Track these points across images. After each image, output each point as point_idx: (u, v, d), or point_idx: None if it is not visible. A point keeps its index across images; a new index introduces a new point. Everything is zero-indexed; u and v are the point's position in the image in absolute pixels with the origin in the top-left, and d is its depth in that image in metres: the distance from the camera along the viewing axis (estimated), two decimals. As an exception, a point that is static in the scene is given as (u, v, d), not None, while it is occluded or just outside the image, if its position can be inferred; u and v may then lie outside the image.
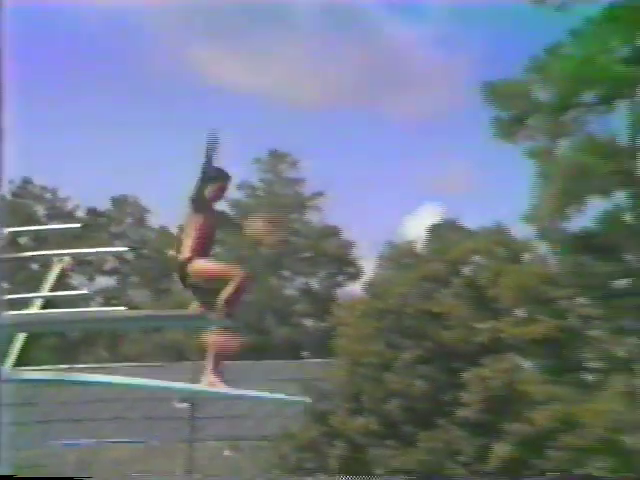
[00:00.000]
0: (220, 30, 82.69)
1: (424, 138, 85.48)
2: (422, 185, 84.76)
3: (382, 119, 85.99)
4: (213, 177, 9.37)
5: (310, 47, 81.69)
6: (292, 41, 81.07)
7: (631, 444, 36.89)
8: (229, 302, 8.88)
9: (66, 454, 39.87)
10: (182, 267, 9.10)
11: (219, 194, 9.56)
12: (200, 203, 9.31)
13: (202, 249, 9.20)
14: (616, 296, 41.56)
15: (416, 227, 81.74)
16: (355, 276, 64.30)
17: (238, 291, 8.93)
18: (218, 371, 9.54)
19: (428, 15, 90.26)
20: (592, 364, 42.44)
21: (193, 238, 9.23)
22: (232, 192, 59.49)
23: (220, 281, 8.94)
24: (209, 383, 9.50)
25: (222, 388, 9.54)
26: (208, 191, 9.38)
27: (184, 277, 9.12)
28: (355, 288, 57.13)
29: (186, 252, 9.15)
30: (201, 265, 9.03)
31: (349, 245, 65.67)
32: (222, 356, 9.62)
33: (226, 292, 8.84)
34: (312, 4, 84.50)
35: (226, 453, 44.64)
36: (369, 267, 54.08)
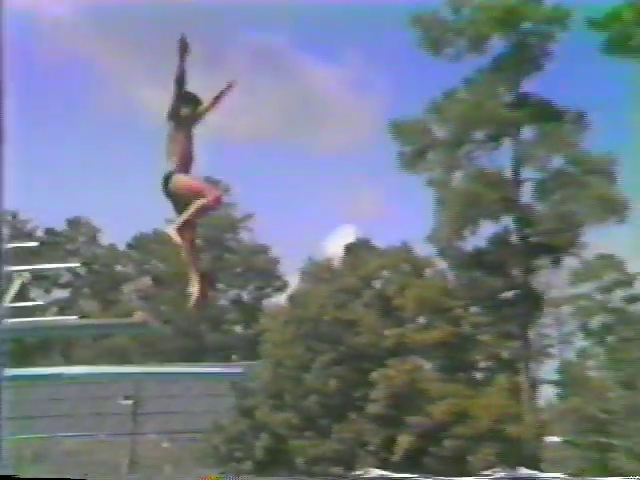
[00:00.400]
0: (162, 72, 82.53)
1: (341, 168, 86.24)
2: (339, 209, 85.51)
3: (304, 151, 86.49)
4: (189, 98, 8.62)
5: (242, 87, 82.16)
6: (224, 81, 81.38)
7: (514, 433, 37.71)
8: (191, 216, 8.32)
9: (22, 448, 39.39)
10: (166, 181, 8.42)
11: (195, 117, 8.71)
12: (178, 120, 8.49)
13: (184, 165, 8.45)
14: (503, 306, 42.55)
15: (333, 246, 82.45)
16: (281, 288, 64.16)
17: (202, 208, 8.35)
18: (183, 227, 8.50)
19: (345, 61, 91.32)
20: (481, 364, 43.18)
21: (176, 155, 8.46)
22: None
23: (195, 197, 8.33)
24: (170, 231, 8.49)
25: (179, 240, 8.46)
26: (184, 112, 8.56)
27: (168, 191, 8.43)
28: (280, 299, 56.85)
29: (171, 167, 8.40)
30: (181, 179, 8.37)
31: (276, 261, 65.87)
32: (194, 216, 8.60)
33: (191, 207, 8.30)
34: (244, 50, 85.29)
35: (165, 445, 44.52)
36: (293, 281, 54.08)
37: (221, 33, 78.73)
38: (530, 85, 42.81)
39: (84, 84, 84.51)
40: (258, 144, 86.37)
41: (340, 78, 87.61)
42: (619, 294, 50.05)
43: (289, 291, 52.32)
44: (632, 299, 49.40)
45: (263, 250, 65.85)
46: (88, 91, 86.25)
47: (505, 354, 41.63)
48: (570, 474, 36.66)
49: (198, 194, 8.33)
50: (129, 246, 67.43)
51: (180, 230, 8.43)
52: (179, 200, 8.40)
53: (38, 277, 56.40)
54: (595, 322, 50.41)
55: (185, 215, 8.38)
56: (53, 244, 62.17)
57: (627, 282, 49.88)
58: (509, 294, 42.96)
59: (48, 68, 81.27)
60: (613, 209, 40.51)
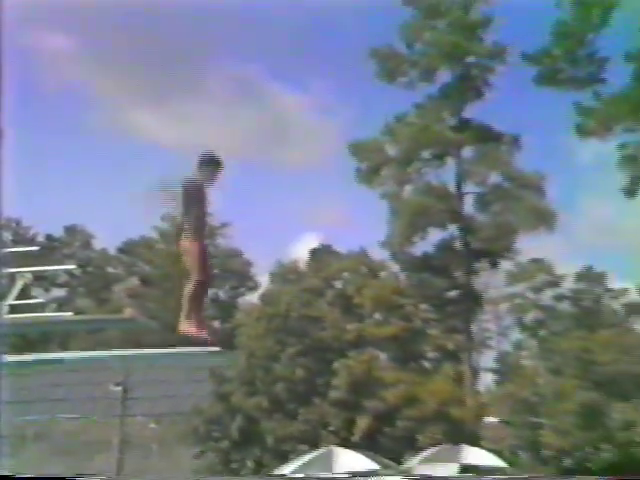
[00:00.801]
0: (151, 96, 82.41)
1: (306, 183, 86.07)
2: (305, 218, 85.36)
3: (274, 168, 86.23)
4: (207, 162, 8.36)
5: (220, 109, 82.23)
6: (206, 105, 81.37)
7: (457, 414, 37.89)
8: (190, 308, 7.97)
9: (26, 427, 39.00)
10: (179, 234, 8.12)
11: (211, 178, 8.40)
12: (192, 191, 8.06)
13: (197, 231, 8.12)
14: (448, 304, 42.73)
15: (299, 251, 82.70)
16: (253, 288, 63.85)
17: (193, 297, 7.98)
18: (191, 319, 8.21)
19: (311, 89, 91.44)
20: (430, 355, 43.16)
21: (189, 222, 8.08)
22: (157, 223, 59.37)
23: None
24: (183, 330, 8.19)
25: (195, 333, 8.21)
26: (201, 175, 8.20)
27: (179, 243, 8.16)
28: (253, 298, 56.57)
29: (185, 227, 8.09)
30: (185, 247, 8.04)
31: (249, 264, 65.52)
32: (194, 304, 8.21)
33: (184, 302, 8.00)
34: (222, 76, 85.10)
35: (151, 426, 44.27)
36: (264, 281, 53.85)
37: (203, 63, 78.84)
38: (472, 111, 43.21)
39: (78, 107, 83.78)
40: (234, 161, 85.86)
41: (307, 104, 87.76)
42: (549, 293, 50.71)
43: (261, 290, 52.20)
44: (560, 297, 50.05)
45: (238, 254, 65.47)
46: (83, 113, 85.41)
47: (450, 346, 41.60)
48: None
49: (188, 268, 8.02)
50: (119, 250, 66.97)
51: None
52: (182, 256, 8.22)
53: (38, 278, 55.77)
54: (528, 318, 50.97)
55: (185, 311, 8.16)
56: (52, 248, 61.72)
57: (555, 283, 50.53)
58: (454, 293, 43.16)
59: (43, 92, 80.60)
60: (543, 219, 40.96)
